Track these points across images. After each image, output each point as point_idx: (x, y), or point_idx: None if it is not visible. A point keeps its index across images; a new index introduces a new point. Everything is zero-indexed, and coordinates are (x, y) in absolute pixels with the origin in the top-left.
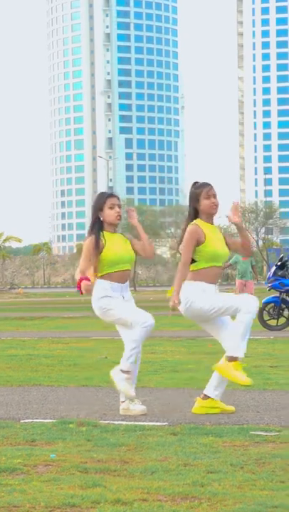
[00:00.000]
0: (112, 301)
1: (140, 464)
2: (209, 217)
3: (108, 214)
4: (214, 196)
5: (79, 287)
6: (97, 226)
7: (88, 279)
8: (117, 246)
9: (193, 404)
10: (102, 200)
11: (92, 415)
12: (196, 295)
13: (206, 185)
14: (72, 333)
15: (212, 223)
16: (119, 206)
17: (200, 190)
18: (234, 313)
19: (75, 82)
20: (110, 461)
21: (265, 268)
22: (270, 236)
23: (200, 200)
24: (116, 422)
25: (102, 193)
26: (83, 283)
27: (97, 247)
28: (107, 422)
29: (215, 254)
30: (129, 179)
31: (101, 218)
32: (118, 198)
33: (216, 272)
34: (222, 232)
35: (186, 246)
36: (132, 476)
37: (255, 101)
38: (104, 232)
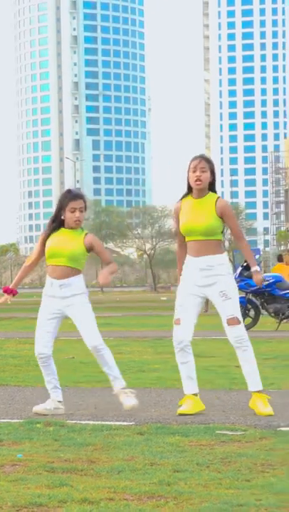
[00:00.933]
0: (42, 301)
1: (107, 463)
2: (198, 192)
3: (68, 217)
4: (201, 170)
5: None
6: (55, 224)
7: (11, 292)
8: (56, 240)
9: (159, 403)
10: (64, 202)
11: (59, 415)
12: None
13: (194, 158)
14: None
15: (202, 197)
16: (81, 210)
17: (189, 164)
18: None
19: (42, 84)
20: (77, 460)
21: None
22: None
23: (189, 174)
24: (83, 422)
25: (67, 192)
26: (4, 296)
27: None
28: (74, 421)
29: (185, 228)
30: (97, 180)
31: (62, 217)
32: (83, 200)
33: (194, 246)
34: (219, 205)
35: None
36: (99, 476)
37: (221, 103)
38: (62, 228)
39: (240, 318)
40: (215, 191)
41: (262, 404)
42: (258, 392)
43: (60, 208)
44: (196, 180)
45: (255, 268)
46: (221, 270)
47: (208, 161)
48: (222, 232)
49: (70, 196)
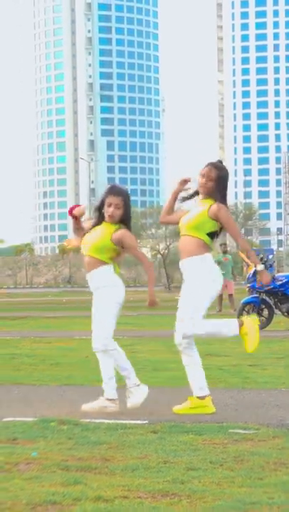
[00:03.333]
0: None
1: (121, 461)
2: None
3: (105, 210)
4: (203, 175)
5: (71, 213)
6: (95, 220)
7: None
8: (90, 232)
9: (173, 402)
10: (104, 196)
11: (73, 414)
12: None
13: (206, 164)
14: (55, 332)
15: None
16: (118, 207)
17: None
18: None
19: (57, 85)
20: (91, 459)
21: (244, 269)
22: (249, 237)
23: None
24: (97, 421)
25: (109, 186)
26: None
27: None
28: (88, 420)
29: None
30: (111, 181)
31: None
32: (122, 197)
33: (180, 242)
34: (211, 205)
35: None
36: (113, 474)
37: (235, 104)
38: (103, 222)
39: (188, 327)
40: (215, 198)
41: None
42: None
43: (101, 201)
44: (201, 186)
45: (259, 267)
46: (190, 271)
47: (217, 168)
48: (209, 234)
49: (110, 191)
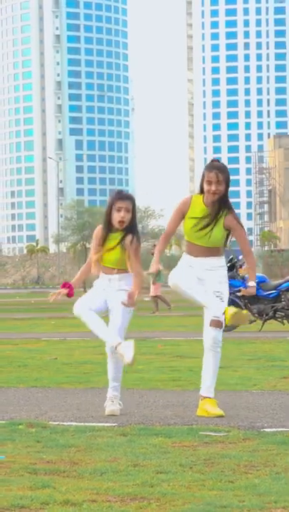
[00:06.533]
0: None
1: (90, 464)
2: (210, 203)
3: (114, 217)
4: (210, 182)
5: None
6: (104, 232)
7: (70, 287)
8: (108, 251)
9: (142, 404)
10: (111, 201)
11: (41, 416)
12: (177, 268)
13: (210, 168)
14: (22, 334)
15: (212, 206)
16: (128, 210)
17: (204, 172)
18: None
19: (24, 83)
20: (60, 462)
21: None
22: None
23: (204, 183)
24: (66, 423)
25: (116, 192)
26: (61, 290)
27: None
28: (56, 423)
29: (187, 230)
30: (80, 180)
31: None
32: (131, 201)
33: (195, 249)
34: (225, 216)
35: (171, 215)
36: (82, 477)
37: (204, 103)
38: (109, 234)
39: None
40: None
41: (210, 406)
42: (208, 398)
43: (109, 208)
44: (211, 194)
45: (251, 283)
46: (221, 272)
47: (221, 171)
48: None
49: (118, 196)
